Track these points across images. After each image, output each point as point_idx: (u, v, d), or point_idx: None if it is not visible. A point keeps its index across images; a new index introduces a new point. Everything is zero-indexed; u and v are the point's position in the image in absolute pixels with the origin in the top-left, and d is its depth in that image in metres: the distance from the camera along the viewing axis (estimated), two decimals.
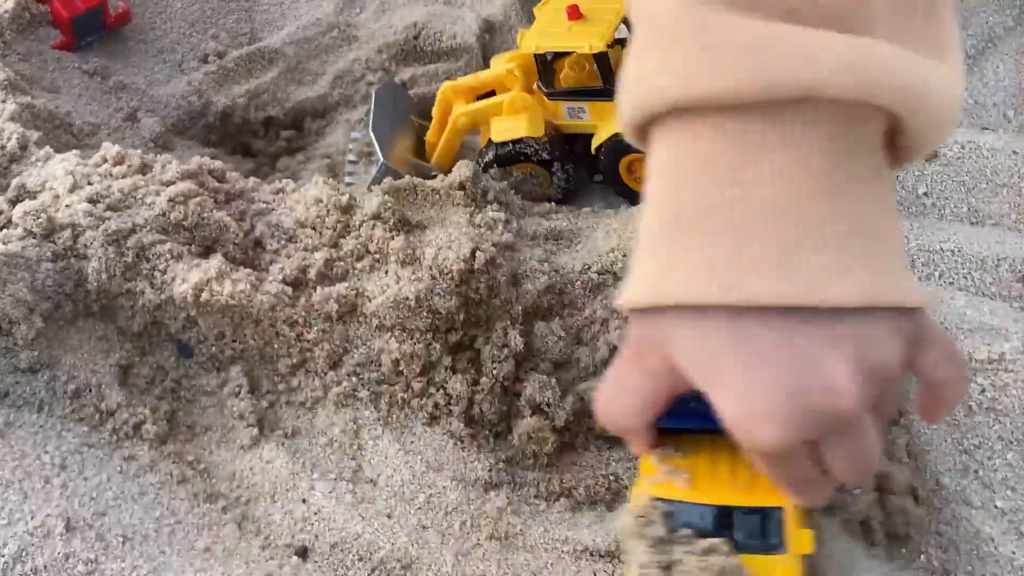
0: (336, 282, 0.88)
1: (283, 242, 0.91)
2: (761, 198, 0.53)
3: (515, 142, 1.05)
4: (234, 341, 0.87)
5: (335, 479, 0.82)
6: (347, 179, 1.11)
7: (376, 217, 0.90)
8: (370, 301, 0.87)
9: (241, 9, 1.28)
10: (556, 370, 0.88)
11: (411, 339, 0.86)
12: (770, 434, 0.53)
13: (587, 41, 1.00)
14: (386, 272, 0.88)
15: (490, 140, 1.06)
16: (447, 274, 0.87)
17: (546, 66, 1.05)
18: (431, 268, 0.87)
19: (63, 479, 0.79)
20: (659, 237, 0.56)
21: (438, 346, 0.87)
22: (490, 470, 0.84)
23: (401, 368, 0.86)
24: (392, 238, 0.89)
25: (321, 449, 0.84)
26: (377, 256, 0.89)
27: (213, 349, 0.87)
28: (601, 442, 0.87)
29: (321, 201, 0.91)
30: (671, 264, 0.55)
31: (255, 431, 0.84)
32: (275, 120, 1.22)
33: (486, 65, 1.18)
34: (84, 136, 1.09)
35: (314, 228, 0.91)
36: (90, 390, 0.84)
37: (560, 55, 1.06)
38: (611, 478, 0.85)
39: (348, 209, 0.91)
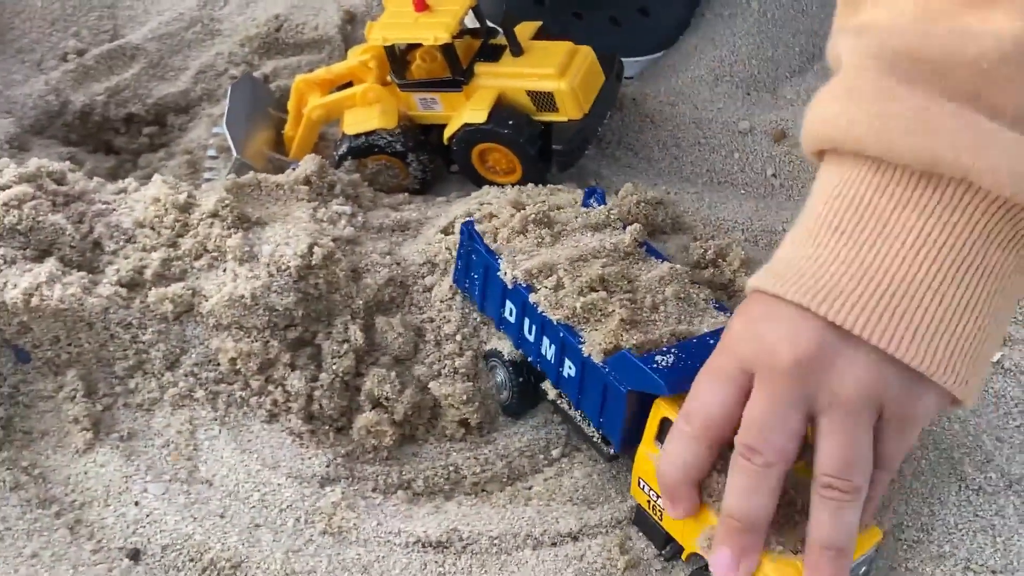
0: (173, 282, 0.88)
1: (122, 243, 0.90)
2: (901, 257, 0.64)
3: (368, 134, 1.05)
4: (69, 345, 0.86)
5: (169, 480, 0.82)
6: (206, 175, 1.10)
7: (214, 215, 0.89)
8: (207, 300, 0.87)
9: (103, 6, 1.27)
10: (396, 364, 0.88)
11: (248, 337, 0.86)
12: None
13: (432, 33, 1.00)
14: (224, 270, 0.88)
15: (344, 133, 1.07)
16: (284, 270, 0.87)
17: (397, 58, 1.05)
18: (268, 265, 0.87)
19: None
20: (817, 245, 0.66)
21: (276, 343, 0.87)
22: (328, 465, 0.84)
23: (239, 367, 0.86)
24: (229, 236, 0.88)
25: (157, 451, 0.84)
26: (215, 255, 0.89)
27: (49, 353, 0.87)
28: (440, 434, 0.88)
29: (159, 200, 0.91)
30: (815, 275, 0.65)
31: (90, 435, 0.84)
32: (137, 117, 1.21)
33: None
34: None
35: (153, 228, 0.90)
36: None
37: (412, 47, 1.06)
38: (450, 468, 0.85)
39: (187, 208, 0.90)
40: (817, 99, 0.67)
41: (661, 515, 0.75)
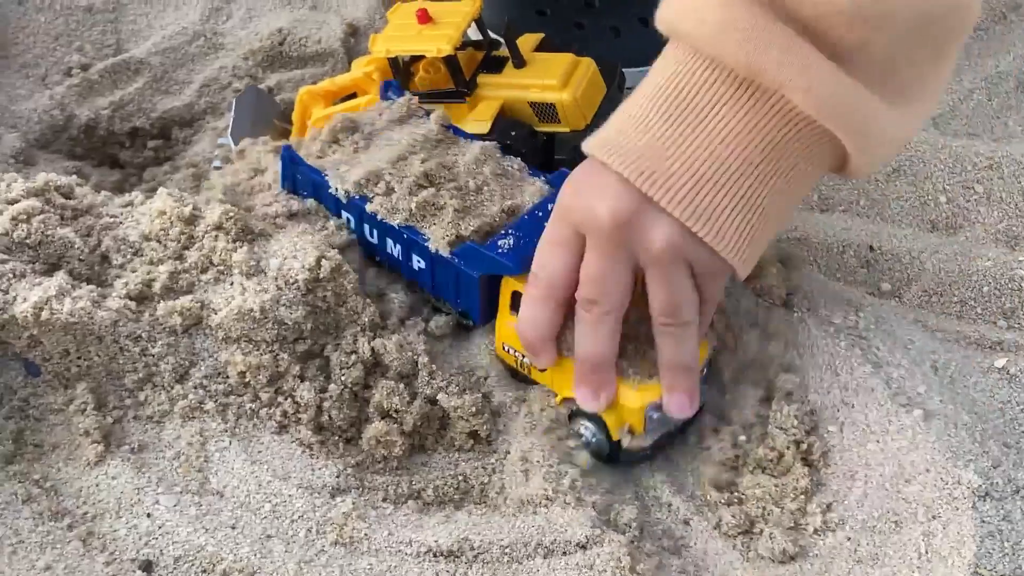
0: (181, 295, 0.88)
1: (129, 256, 0.91)
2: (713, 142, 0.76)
3: None
4: (79, 358, 0.87)
5: (180, 492, 0.83)
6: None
7: (218, 227, 0.90)
8: (215, 313, 0.87)
9: (107, 21, 1.27)
10: (402, 378, 0.89)
11: (258, 350, 0.87)
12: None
13: (435, 44, 1.01)
14: (231, 284, 0.88)
15: None
16: (292, 284, 0.87)
17: (400, 69, 1.05)
18: (276, 278, 0.87)
19: None
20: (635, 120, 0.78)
21: (286, 356, 0.87)
22: (338, 476, 0.84)
23: (248, 379, 0.87)
24: (235, 250, 0.89)
25: (168, 463, 0.85)
26: (221, 268, 0.89)
27: (59, 367, 0.87)
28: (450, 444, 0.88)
29: (165, 213, 0.91)
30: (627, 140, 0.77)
31: (100, 447, 0.84)
32: (141, 131, 1.21)
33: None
34: None
35: (159, 241, 0.91)
36: None
37: (416, 58, 1.06)
38: (460, 478, 0.86)
39: (192, 220, 0.91)
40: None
41: (529, 370, 0.88)
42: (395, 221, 0.89)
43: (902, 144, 0.81)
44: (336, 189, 0.92)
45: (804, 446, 0.85)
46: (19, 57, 1.23)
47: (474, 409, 0.87)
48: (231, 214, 0.90)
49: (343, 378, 0.87)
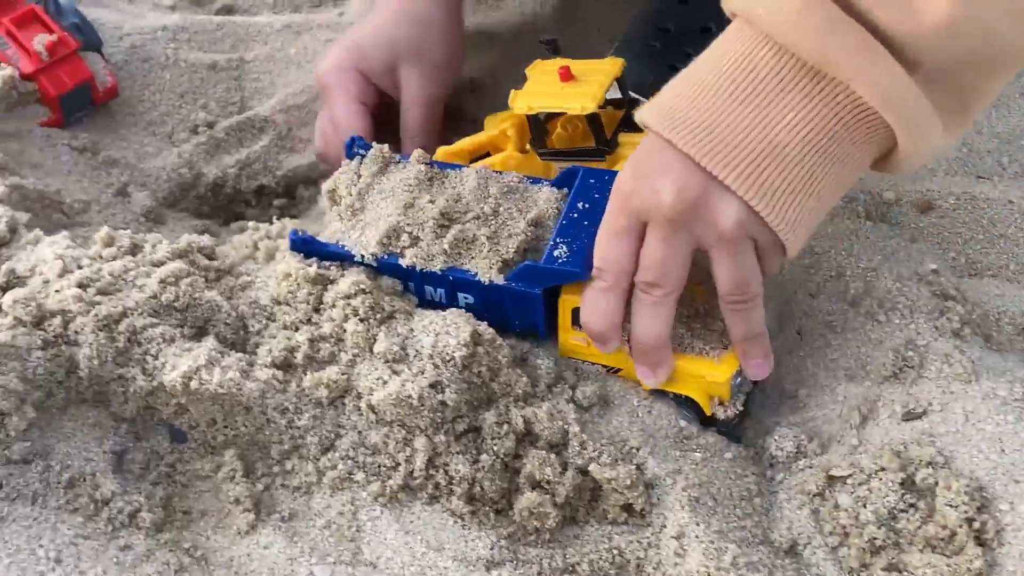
0: (324, 365, 0.87)
1: (264, 321, 0.90)
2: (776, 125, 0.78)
3: None
4: (226, 427, 0.86)
5: (334, 563, 0.81)
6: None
7: (348, 297, 0.88)
8: (369, 395, 0.85)
9: (231, 79, 1.28)
10: (553, 448, 0.86)
11: (412, 434, 0.85)
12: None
13: (579, 102, 0.99)
14: (377, 366, 0.87)
15: None
16: (449, 362, 0.85)
17: (539, 126, 1.04)
18: (432, 357, 0.85)
19: (59, 574, 0.77)
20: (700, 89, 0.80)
21: (442, 436, 0.85)
22: (492, 548, 0.82)
23: (399, 458, 0.85)
24: (371, 328, 0.87)
25: (319, 532, 0.83)
26: (363, 346, 0.88)
27: (206, 434, 0.86)
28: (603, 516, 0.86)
29: (290, 275, 0.90)
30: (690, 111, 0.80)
31: (251, 516, 0.83)
32: (267, 189, 1.21)
33: (477, 125, 1.18)
34: (75, 214, 1.08)
35: (289, 304, 0.90)
36: (84, 479, 0.83)
37: (552, 115, 1.05)
38: (615, 552, 0.83)
39: (319, 281, 0.90)
40: None
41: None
42: (436, 268, 0.89)
43: (935, 157, 0.94)
44: (362, 256, 0.91)
45: (976, 524, 0.81)
46: (146, 115, 1.23)
47: (628, 481, 0.84)
48: (362, 286, 0.88)
49: (495, 448, 0.85)
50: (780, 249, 0.83)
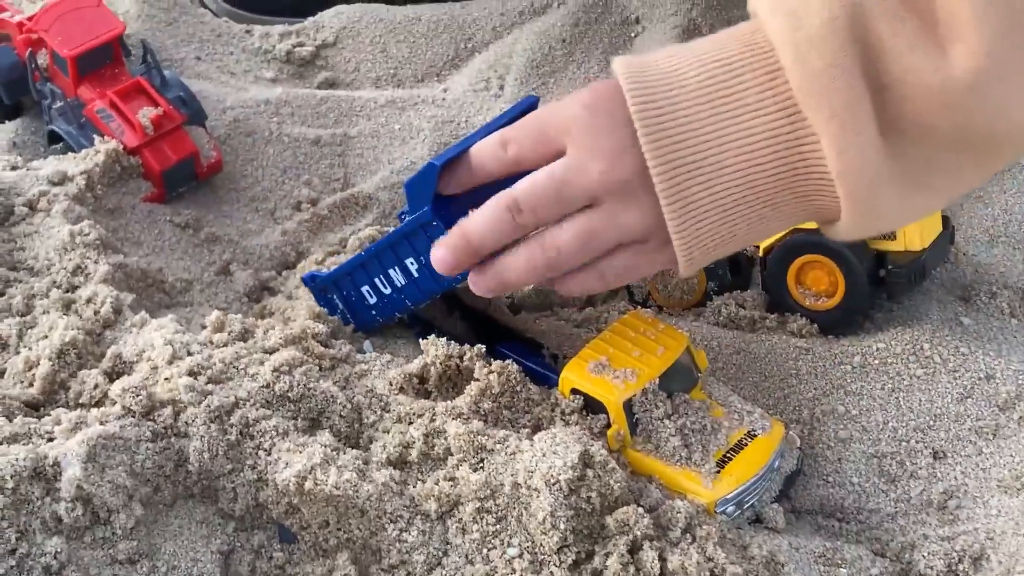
0: (437, 464, 0.82)
1: (379, 412, 0.85)
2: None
3: None
4: (339, 530, 0.80)
5: None
6: None
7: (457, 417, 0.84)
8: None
9: (334, 155, 1.24)
10: None
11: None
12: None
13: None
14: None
15: None
16: (554, 484, 0.77)
17: None
18: (537, 481, 0.77)
19: None
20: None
21: (553, 569, 0.78)
22: None
23: None
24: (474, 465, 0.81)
25: None
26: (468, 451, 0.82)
27: (317, 536, 0.81)
28: None
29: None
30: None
31: None
32: None
33: None
34: (177, 293, 1.05)
35: (402, 391, 0.87)
36: None
37: None
38: None
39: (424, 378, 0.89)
40: None
41: None
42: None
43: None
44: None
45: None
46: (248, 190, 1.19)
47: None
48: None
49: None
50: (656, 261, 0.80)
